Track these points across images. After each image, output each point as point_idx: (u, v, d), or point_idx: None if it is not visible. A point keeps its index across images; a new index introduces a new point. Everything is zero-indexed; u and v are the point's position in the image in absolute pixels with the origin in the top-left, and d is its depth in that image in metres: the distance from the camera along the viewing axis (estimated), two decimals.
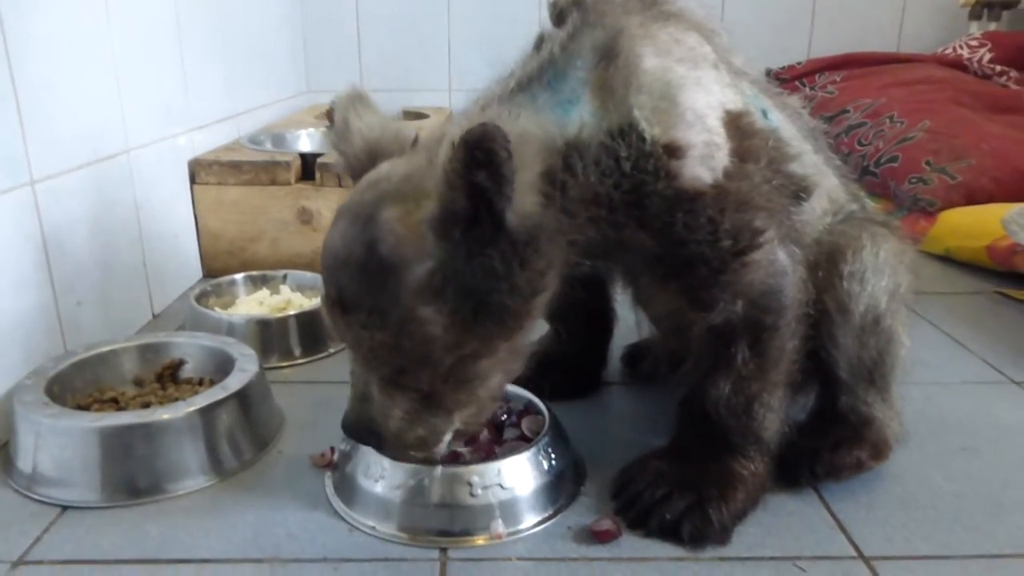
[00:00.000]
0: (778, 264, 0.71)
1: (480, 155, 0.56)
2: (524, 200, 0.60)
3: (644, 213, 0.67)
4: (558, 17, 0.72)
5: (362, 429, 0.69)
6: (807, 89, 2.21)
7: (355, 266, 0.62)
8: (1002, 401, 1.00)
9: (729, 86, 0.71)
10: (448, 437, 0.69)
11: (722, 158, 0.67)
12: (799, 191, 0.75)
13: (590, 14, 0.69)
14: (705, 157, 0.66)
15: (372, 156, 0.69)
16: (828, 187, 0.81)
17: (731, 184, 0.67)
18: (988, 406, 0.98)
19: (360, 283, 0.62)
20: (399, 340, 0.62)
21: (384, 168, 0.66)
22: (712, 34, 0.74)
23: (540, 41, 0.72)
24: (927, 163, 1.73)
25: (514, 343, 0.67)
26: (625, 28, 0.68)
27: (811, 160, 0.79)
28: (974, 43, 2.23)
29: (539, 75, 0.67)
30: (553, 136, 0.65)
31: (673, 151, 0.65)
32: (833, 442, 0.80)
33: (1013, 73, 2.14)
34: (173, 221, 1.32)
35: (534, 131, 0.64)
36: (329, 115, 0.72)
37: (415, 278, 0.60)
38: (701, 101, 0.67)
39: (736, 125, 0.69)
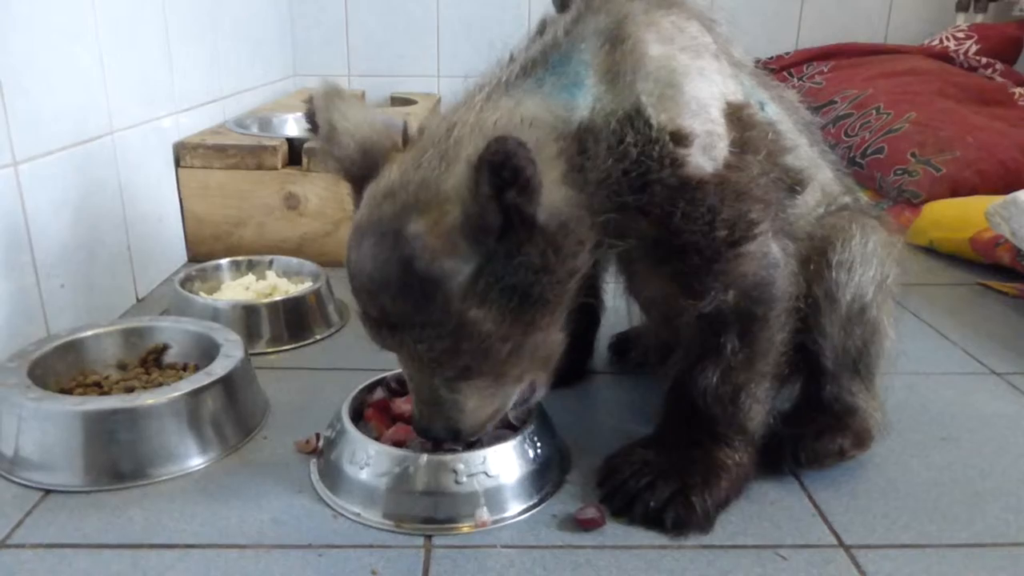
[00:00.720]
0: (771, 256, 0.72)
1: (507, 174, 0.56)
2: (553, 197, 0.60)
3: (647, 200, 0.67)
4: (562, 3, 0.71)
5: (443, 430, 0.70)
6: (795, 80, 2.22)
7: (395, 287, 0.61)
8: (983, 392, 1.01)
9: (730, 77, 0.71)
10: (513, 401, 0.72)
11: (722, 148, 0.67)
12: (794, 184, 0.75)
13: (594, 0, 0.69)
14: (707, 147, 0.67)
15: (366, 155, 0.67)
16: (822, 180, 0.81)
17: (731, 174, 0.67)
18: (969, 396, 0.99)
19: (405, 302, 0.62)
20: (457, 344, 0.63)
21: (394, 175, 0.64)
22: (712, 24, 0.74)
23: (543, 26, 0.72)
24: (912, 155, 1.74)
25: (556, 318, 0.68)
26: (630, 14, 0.68)
27: (806, 153, 0.79)
28: (960, 35, 2.23)
29: (543, 59, 0.67)
30: (564, 119, 0.64)
31: (679, 139, 0.66)
32: (817, 430, 0.80)
33: (999, 65, 2.15)
34: (158, 204, 1.31)
35: (544, 116, 0.64)
36: (310, 118, 0.69)
37: (458, 286, 0.60)
38: (704, 91, 0.67)
39: (737, 116, 0.69)
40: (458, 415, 0.69)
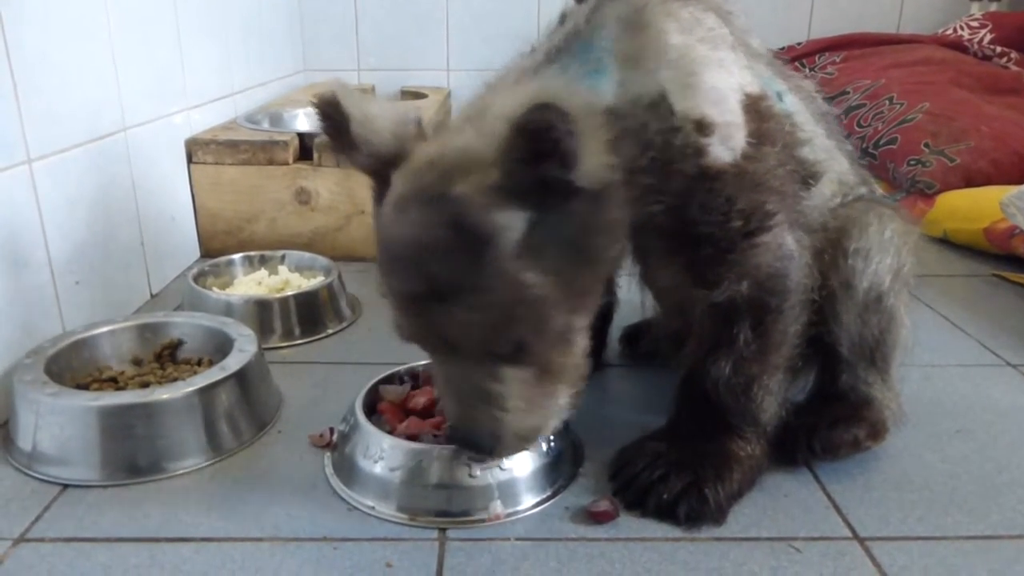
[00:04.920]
0: (785, 248, 0.71)
1: (547, 146, 0.54)
2: (594, 163, 0.57)
3: (665, 187, 0.67)
4: None
5: (485, 434, 0.66)
6: (807, 70, 2.20)
7: (444, 249, 0.58)
8: (998, 384, 1.00)
9: (746, 68, 0.71)
10: (556, 419, 0.69)
11: (740, 139, 0.67)
12: (808, 176, 0.75)
13: None
14: (726, 137, 0.67)
15: (397, 140, 0.65)
16: (839, 171, 0.81)
17: (748, 165, 0.67)
18: (984, 388, 0.99)
19: (455, 265, 0.59)
20: (512, 311, 0.60)
21: (430, 150, 0.62)
22: (729, 16, 0.74)
23: (563, 18, 0.72)
24: (926, 145, 1.73)
25: (594, 300, 0.67)
26: (648, 2, 0.68)
27: (822, 145, 0.79)
28: (975, 24, 2.21)
29: (566, 46, 0.68)
30: (592, 103, 0.63)
31: (702, 127, 0.66)
32: (832, 419, 0.80)
33: (1014, 54, 2.13)
34: (170, 200, 1.31)
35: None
36: (326, 108, 0.64)
37: (511, 242, 0.58)
38: (723, 81, 0.68)
39: (755, 108, 0.69)
40: (502, 415, 0.64)
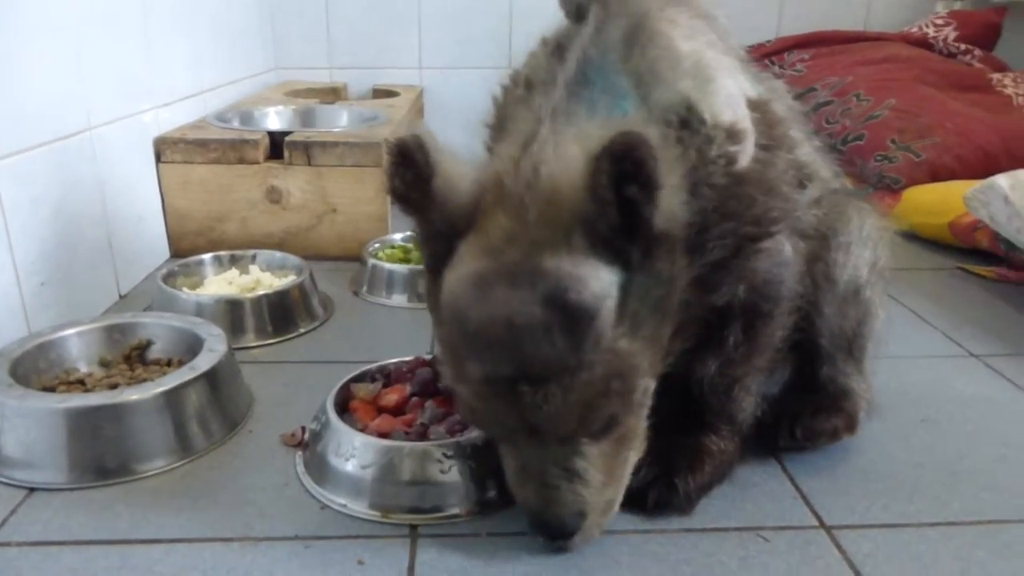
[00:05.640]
0: (784, 254, 0.72)
1: (628, 167, 0.52)
2: (672, 202, 0.57)
3: (697, 200, 0.63)
4: (577, 14, 0.68)
5: (570, 515, 0.63)
6: (776, 68, 2.22)
7: (540, 329, 0.54)
8: (961, 374, 1.02)
9: (741, 72, 0.70)
10: (625, 487, 0.67)
11: (751, 145, 0.66)
12: (803, 179, 0.75)
13: (611, 4, 0.66)
14: (746, 143, 0.66)
15: (473, 205, 0.60)
16: (821, 173, 0.82)
17: (762, 171, 0.66)
18: (948, 379, 1.01)
19: (552, 345, 0.55)
20: (609, 385, 0.57)
21: (501, 221, 0.58)
22: (714, 20, 0.73)
23: (556, 45, 0.68)
24: (892, 141, 1.75)
25: (664, 355, 0.65)
26: (648, 11, 0.66)
27: (808, 146, 0.80)
28: (940, 21, 2.25)
29: (583, 78, 0.63)
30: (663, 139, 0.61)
31: (733, 135, 0.64)
32: (815, 407, 0.81)
33: (977, 52, 2.17)
34: (139, 200, 1.30)
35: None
36: (420, 153, 0.59)
37: (609, 314, 0.56)
38: (732, 87, 0.67)
39: (761, 113, 0.68)
40: (586, 492, 0.62)
